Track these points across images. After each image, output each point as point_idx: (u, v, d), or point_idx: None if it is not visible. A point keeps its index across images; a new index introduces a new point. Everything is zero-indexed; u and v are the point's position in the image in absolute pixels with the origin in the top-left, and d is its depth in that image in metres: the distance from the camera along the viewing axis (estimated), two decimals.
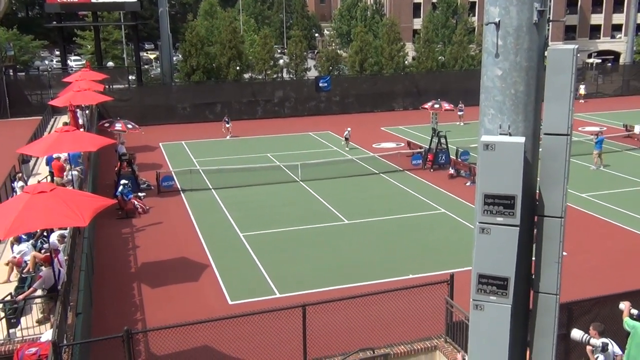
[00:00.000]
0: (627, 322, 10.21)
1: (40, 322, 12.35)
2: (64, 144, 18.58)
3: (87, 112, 33.36)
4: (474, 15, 70.13)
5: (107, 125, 30.53)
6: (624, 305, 10.39)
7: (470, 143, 31.52)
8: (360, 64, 51.77)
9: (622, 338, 10.52)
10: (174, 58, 55.14)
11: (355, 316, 13.04)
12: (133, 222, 23.12)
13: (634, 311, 10.27)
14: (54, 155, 21.79)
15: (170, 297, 16.76)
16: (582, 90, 49.63)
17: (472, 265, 4.79)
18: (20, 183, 20.56)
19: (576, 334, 8.93)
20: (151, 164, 30.99)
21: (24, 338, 11.82)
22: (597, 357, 9.71)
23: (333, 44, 74.00)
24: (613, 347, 9.93)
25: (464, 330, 11.71)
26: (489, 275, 4.67)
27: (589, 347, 9.72)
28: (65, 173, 21.53)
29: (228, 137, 38.35)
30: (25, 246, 15.05)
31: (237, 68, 49.06)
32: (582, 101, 48.24)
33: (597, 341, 9.44)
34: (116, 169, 26.51)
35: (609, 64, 65.38)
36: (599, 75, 56.29)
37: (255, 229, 22.14)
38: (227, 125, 38.71)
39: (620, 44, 72.21)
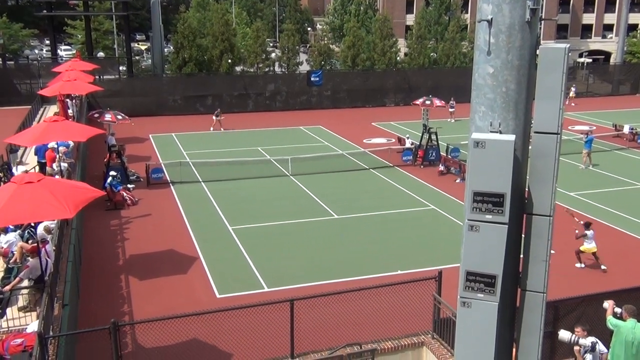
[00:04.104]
0: (611, 321, 10.30)
1: (26, 312, 12.26)
2: (53, 134, 18.44)
3: (76, 102, 33.11)
4: (466, 13, 70.12)
5: (96, 115, 30.33)
6: (607, 304, 10.47)
7: (461, 140, 31.59)
8: (352, 59, 51.72)
9: (607, 337, 10.61)
10: (165, 49, 54.83)
11: (343, 311, 13.05)
12: (122, 213, 23.01)
13: (617, 310, 10.36)
14: (49, 145, 21.64)
15: (158, 289, 16.71)
16: (572, 93, 49.37)
17: (460, 262, 4.80)
18: (22, 167, 20.56)
19: (564, 335, 8.98)
20: (141, 155, 30.83)
21: (10, 329, 11.73)
22: (585, 356, 9.77)
23: (325, 39, 73.80)
24: (599, 346, 10.01)
25: (451, 327, 11.75)
26: (477, 272, 4.69)
27: (576, 347, 9.78)
28: (54, 163, 21.39)
29: (211, 129, 38.28)
30: (12, 236, 14.92)
31: (229, 61, 48.85)
32: (573, 104, 48.00)
33: (586, 341, 9.50)
34: (105, 160, 26.34)
35: (596, 62, 65.68)
36: (589, 75, 56.55)
37: (245, 222, 22.10)
38: (217, 118, 38.58)
39: (611, 44, 72.58)
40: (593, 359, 9.73)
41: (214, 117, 38.74)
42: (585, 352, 9.67)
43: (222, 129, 38.38)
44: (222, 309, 12.04)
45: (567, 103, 47.47)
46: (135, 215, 22.90)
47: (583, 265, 18.33)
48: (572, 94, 49.20)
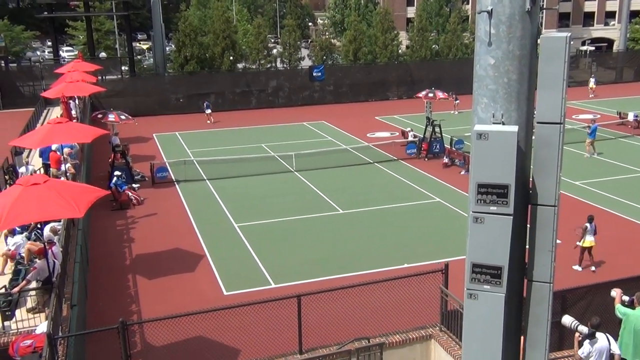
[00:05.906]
0: (619, 309, 10.27)
1: (34, 314, 12.33)
2: (57, 136, 18.46)
3: (79, 103, 33.17)
4: (467, 4, 69.92)
5: (100, 116, 30.40)
6: (615, 293, 10.44)
7: (465, 132, 31.53)
8: (354, 53, 51.60)
9: (615, 325, 10.59)
10: (167, 48, 54.83)
11: (350, 306, 13.06)
12: (127, 213, 23.07)
13: (625, 298, 10.33)
14: (53, 147, 21.72)
15: (166, 288, 16.76)
16: (592, 83, 48.86)
17: (466, 254, 4.79)
18: (31, 167, 20.67)
19: (566, 319, 8.99)
20: (145, 155, 30.88)
21: (19, 330, 11.80)
22: (584, 344, 9.75)
23: (327, 33, 73.67)
24: (610, 345, 9.89)
25: (458, 319, 11.75)
26: (483, 264, 4.68)
27: (577, 334, 9.76)
28: (62, 165, 21.46)
29: (209, 122, 39.37)
30: (19, 238, 15.00)
31: (231, 58, 48.83)
32: (592, 95, 47.62)
33: (585, 328, 9.48)
34: (110, 160, 26.42)
35: (599, 50, 65.34)
36: (592, 62, 56.27)
37: (250, 219, 22.13)
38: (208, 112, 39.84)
39: (613, 31, 72.18)
40: (591, 345, 9.70)
41: (206, 113, 39.77)
42: (584, 339, 9.65)
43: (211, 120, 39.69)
44: (230, 306, 12.07)
45: (588, 95, 47.09)
46: (141, 214, 22.96)
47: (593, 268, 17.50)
48: (592, 84, 48.67)
